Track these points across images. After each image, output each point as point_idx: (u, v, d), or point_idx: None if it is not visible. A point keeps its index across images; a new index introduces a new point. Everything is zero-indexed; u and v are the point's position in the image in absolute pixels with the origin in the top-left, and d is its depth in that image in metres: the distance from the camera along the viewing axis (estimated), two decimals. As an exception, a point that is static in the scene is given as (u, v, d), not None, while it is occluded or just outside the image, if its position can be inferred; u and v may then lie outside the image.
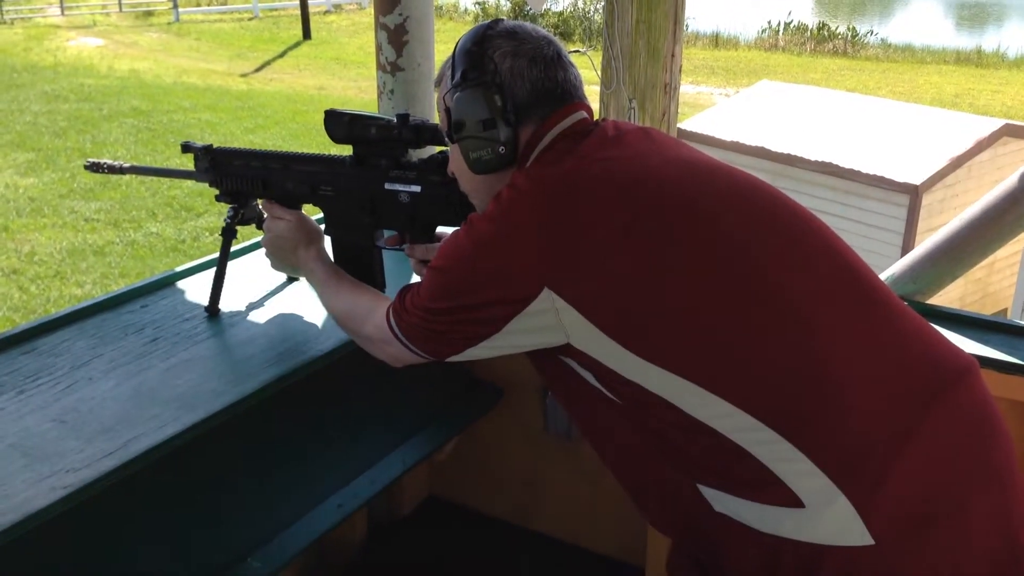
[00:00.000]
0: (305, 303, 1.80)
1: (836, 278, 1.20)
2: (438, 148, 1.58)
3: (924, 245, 1.92)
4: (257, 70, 17.43)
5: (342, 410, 1.79)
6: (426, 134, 1.53)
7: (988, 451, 1.16)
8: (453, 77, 1.31)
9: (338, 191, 1.64)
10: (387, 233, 1.67)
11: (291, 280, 1.89)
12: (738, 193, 1.24)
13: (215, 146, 1.76)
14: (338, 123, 1.58)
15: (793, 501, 1.11)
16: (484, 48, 1.29)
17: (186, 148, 1.77)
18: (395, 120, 1.54)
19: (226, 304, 1.77)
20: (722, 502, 1.19)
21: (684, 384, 1.13)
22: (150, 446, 1.35)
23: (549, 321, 1.18)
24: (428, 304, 1.27)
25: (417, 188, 1.54)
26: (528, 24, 1.35)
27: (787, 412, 1.11)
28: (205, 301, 1.77)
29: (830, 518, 1.09)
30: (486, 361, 1.98)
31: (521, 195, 1.21)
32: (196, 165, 1.77)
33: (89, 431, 1.38)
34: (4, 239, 8.48)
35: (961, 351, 1.22)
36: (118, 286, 7.45)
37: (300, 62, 18.23)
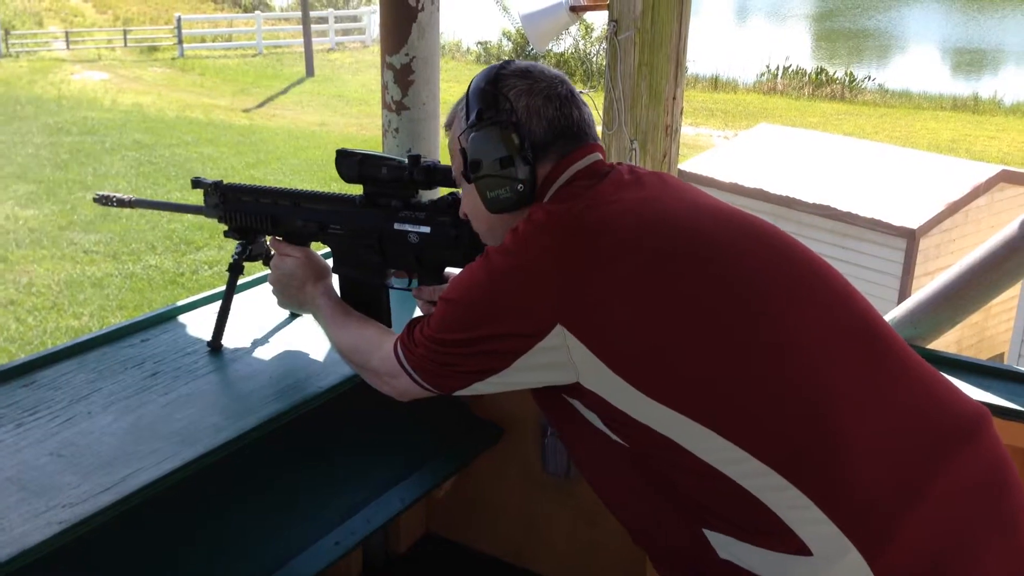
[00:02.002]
0: (307, 339, 1.80)
1: (849, 327, 1.20)
2: (446, 190, 1.59)
3: (924, 290, 1.93)
4: (260, 106, 17.56)
5: (341, 447, 1.78)
6: (437, 176, 1.54)
7: (1001, 502, 1.16)
8: (468, 117, 1.31)
9: (347, 230, 1.64)
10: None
11: (294, 316, 1.89)
12: (753, 239, 1.24)
13: (225, 182, 1.76)
14: (349, 163, 1.58)
15: (801, 549, 1.10)
16: (498, 87, 1.30)
17: (196, 184, 1.78)
18: (406, 161, 1.55)
19: (228, 339, 1.77)
20: (728, 548, 1.17)
21: (694, 427, 1.13)
22: (148, 481, 1.34)
23: (560, 358, 1.18)
24: (438, 335, 1.27)
25: (426, 229, 1.55)
26: (540, 64, 1.36)
27: (797, 459, 1.10)
28: (206, 336, 1.77)
29: (840, 570, 1.08)
30: (486, 399, 1.99)
31: (539, 229, 1.21)
32: (206, 201, 1.78)
33: (87, 465, 1.37)
34: (2, 270, 8.49)
35: (973, 401, 1.22)
36: (116, 318, 7.46)
37: (302, 98, 18.38)
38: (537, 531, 2.15)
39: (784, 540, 1.10)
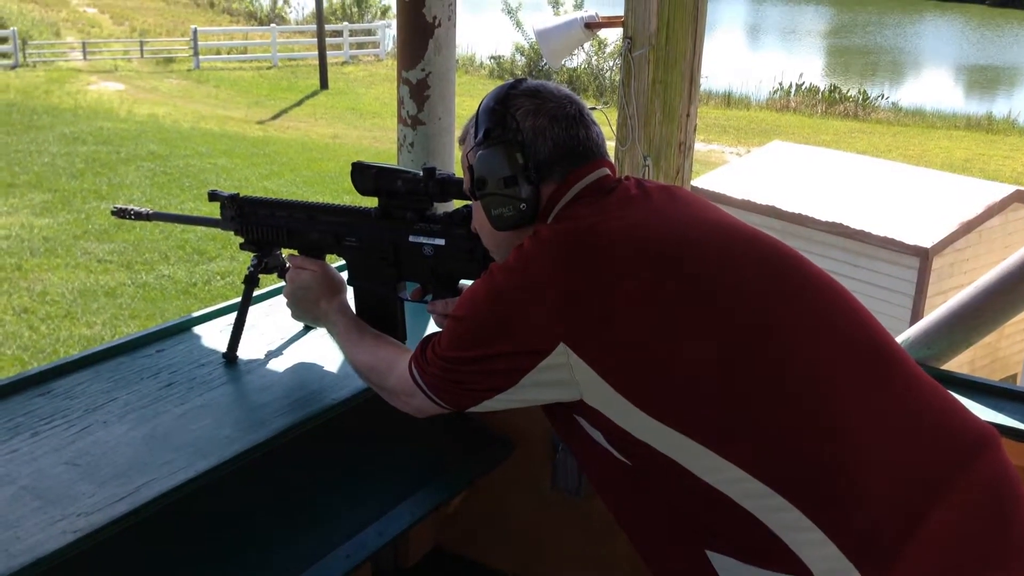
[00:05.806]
0: (321, 352, 1.80)
1: (857, 348, 1.19)
2: (461, 203, 1.60)
3: (939, 311, 1.93)
4: (274, 118, 17.65)
5: (353, 459, 1.79)
6: (452, 188, 1.55)
7: (1009, 524, 1.14)
8: (476, 135, 1.33)
9: (363, 242, 1.66)
10: (410, 285, 1.68)
11: (308, 329, 1.90)
12: (761, 257, 1.24)
13: (241, 195, 1.78)
14: (365, 175, 1.60)
15: (802, 571, 1.08)
16: (507, 107, 1.32)
17: (213, 197, 1.80)
18: (421, 174, 1.56)
19: (243, 351, 1.78)
20: (729, 569, 1.16)
21: (695, 447, 1.12)
22: (162, 492, 1.35)
23: (563, 376, 1.18)
24: (447, 353, 1.28)
25: (441, 241, 1.56)
26: (551, 83, 1.37)
27: (799, 481, 1.10)
28: (221, 347, 1.78)
29: None
30: (498, 414, 1.98)
31: (542, 248, 1.22)
32: (222, 213, 1.79)
33: (102, 475, 1.38)
34: (17, 278, 8.54)
35: (981, 421, 1.21)
36: (128, 328, 7.48)
37: (316, 111, 18.46)
38: (546, 547, 2.14)
39: (785, 561, 1.09)
